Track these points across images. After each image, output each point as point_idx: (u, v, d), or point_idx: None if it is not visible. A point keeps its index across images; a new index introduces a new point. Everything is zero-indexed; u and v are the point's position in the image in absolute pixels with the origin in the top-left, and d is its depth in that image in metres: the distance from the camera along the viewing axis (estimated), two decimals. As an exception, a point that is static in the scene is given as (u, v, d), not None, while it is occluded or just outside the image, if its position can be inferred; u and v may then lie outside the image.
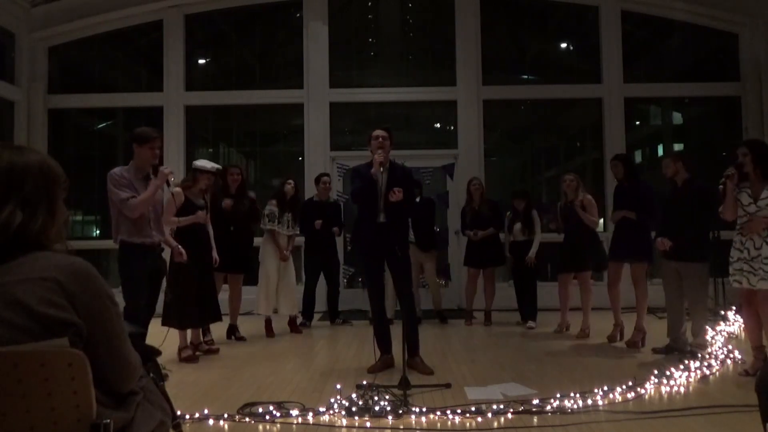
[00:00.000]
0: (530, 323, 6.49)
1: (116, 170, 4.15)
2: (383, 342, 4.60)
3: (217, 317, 5.22)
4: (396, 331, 4.43)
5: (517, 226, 6.60)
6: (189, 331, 5.12)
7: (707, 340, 4.97)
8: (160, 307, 4.60)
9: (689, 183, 4.90)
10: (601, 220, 8.43)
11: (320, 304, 7.07)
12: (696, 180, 4.94)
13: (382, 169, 4.38)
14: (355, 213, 4.81)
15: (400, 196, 4.30)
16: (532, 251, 6.45)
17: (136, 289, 4.06)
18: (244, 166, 7.92)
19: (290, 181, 6.36)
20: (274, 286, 6.17)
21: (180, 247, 4.66)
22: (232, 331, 6.03)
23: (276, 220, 6.18)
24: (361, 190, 4.52)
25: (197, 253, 4.96)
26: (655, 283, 6.31)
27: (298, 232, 6.47)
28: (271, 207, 6.22)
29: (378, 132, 4.52)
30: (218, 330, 5.72)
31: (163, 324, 4.86)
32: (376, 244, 4.45)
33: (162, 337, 4.26)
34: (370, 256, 4.58)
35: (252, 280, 6.32)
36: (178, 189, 5.03)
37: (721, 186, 4.32)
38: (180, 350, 4.98)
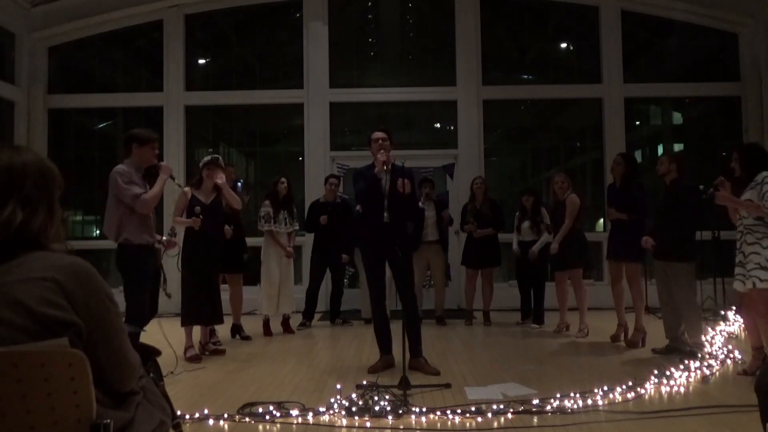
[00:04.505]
0: (533, 326, 6.48)
1: (122, 168, 4.14)
2: (383, 342, 4.61)
3: (218, 320, 5.22)
4: (396, 331, 4.43)
5: (526, 224, 6.57)
6: (198, 330, 5.13)
7: (704, 339, 4.96)
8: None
9: (676, 183, 4.95)
10: (601, 220, 8.45)
11: (320, 304, 7.07)
12: (683, 180, 4.97)
13: (386, 168, 4.40)
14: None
15: (409, 188, 4.33)
16: (537, 246, 6.42)
17: (144, 291, 4.08)
18: (244, 166, 7.93)
19: (283, 180, 6.35)
20: (277, 286, 6.16)
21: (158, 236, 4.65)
22: (237, 331, 6.03)
23: (272, 220, 6.18)
24: (365, 191, 4.54)
25: (203, 253, 4.97)
26: (653, 283, 6.30)
27: (297, 228, 6.47)
28: (266, 208, 6.22)
29: (377, 134, 4.56)
30: (222, 330, 5.71)
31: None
32: (380, 243, 4.46)
33: (161, 337, 4.25)
34: (374, 255, 4.61)
35: (249, 279, 6.32)
36: (187, 188, 5.09)
37: (710, 190, 4.35)
38: (186, 349, 4.96)
